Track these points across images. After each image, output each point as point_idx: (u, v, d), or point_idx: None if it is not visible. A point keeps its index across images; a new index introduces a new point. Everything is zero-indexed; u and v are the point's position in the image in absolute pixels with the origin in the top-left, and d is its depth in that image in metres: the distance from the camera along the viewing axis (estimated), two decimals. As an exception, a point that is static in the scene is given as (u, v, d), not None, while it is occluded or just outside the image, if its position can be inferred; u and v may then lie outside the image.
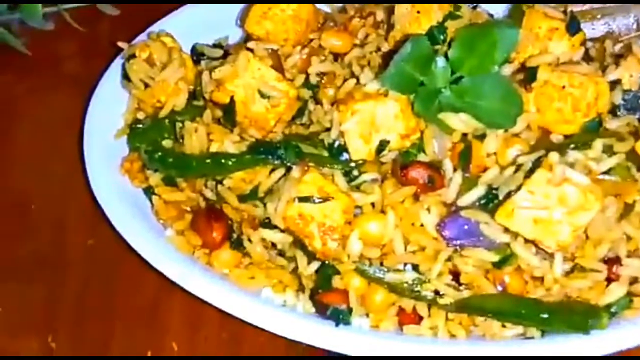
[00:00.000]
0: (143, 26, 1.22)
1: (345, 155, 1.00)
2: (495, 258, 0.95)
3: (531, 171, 0.92)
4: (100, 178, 1.06)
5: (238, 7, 1.23)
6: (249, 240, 1.01)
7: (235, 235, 1.03)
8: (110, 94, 1.14)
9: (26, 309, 1.04)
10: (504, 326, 0.96)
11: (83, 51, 1.31)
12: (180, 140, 1.05)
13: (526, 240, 0.94)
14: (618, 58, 1.08)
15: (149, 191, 1.08)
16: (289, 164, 0.99)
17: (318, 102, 1.07)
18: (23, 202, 1.14)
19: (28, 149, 1.20)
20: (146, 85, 1.09)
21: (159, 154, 1.04)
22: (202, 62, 1.13)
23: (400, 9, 1.09)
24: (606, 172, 0.96)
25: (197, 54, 1.17)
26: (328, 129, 1.03)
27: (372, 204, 0.98)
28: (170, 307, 1.03)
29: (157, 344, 1.01)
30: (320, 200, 0.95)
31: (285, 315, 0.97)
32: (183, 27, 1.20)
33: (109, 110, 1.13)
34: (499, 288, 0.96)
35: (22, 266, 1.08)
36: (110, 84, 1.15)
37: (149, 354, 1.00)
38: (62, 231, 1.12)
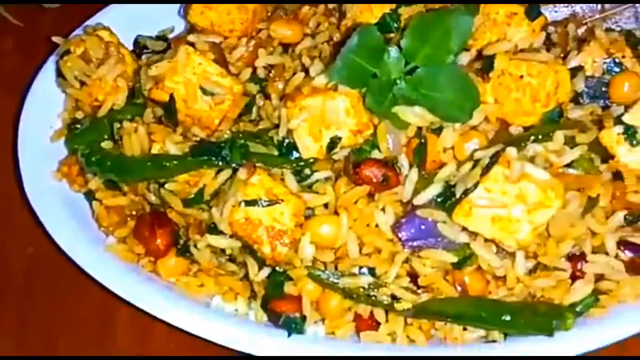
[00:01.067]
0: (82, 20, 1.15)
1: (295, 154, 0.95)
2: (455, 259, 0.91)
3: (488, 167, 0.88)
4: (35, 183, 1.00)
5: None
6: (196, 246, 0.96)
7: (181, 242, 0.97)
8: (46, 93, 1.07)
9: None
10: (465, 329, 0.92)
11: (20, 48, 1.24)
12: (120, 141, 0.99)
13: (486, 240, 0.90)
14: (581, 42, 1.04)
15: (89, 196, 1.02)
16: (235, 166, 0.94)
17: (267, 96, 1.01)
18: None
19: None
20: (82, 84, 1.02)
21: (97, 156, 0.98)
22: (143, 57, 1.07)
23: (351, -5, 1.04)
24: (568, 165, 0.92)
25: (139, 47, 1.10)
26: (277, 126, 0.97)
27: (325, 205, 0.93)
28: (116, 319, 0.98)
29: (104, 354, 0.96)
30: (268, 203, 0.90)
31: (236, 329, 0.92)
32: (124, 19, 1.13)
33: (44, 110, 1.07)
34: (459, 289, 0.91)
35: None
36: (45, 83, 1.08)
37: (94, 368, 0.95)
38: (2, 241, 1.05)
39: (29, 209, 1.00)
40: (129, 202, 1.01)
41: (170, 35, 1.14)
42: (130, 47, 1.10)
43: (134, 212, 1.01)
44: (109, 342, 0.97)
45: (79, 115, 1.05)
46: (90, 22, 1.10)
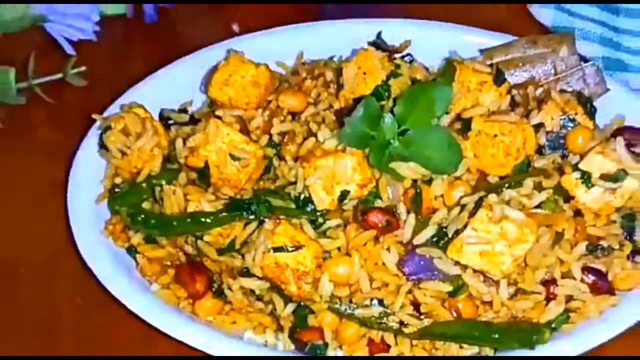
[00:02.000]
0: (109, 95, 1.32)
1: (310, 206, 1.12)
2: (450, 288, 1.07)
3: (474, 210, 1.06)
4: (86, 240, 1.15)
5: (199, 73, 1.35)
6: (230, 288, 1.11)
7: (216, 285, 1.13)
8: (88, 162, 1.23)
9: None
10: (461, 347, 1.08)
11: (53, 121, 1.39)
12: (160, 202, 1.15)
13: (475, 271, 1.07)
14: (540, 102, 1.24)
15: (131, 250, 1.17)
16: (261, 218, 1.11)
17: (282, 158, 1.18)
18: (10, 267, 1.21)
19: (10, 216, 1.27)
20: (123, 154, 1.19)
21: (142, 216, 1.14)
22: (172, 128, 1.24)
23: (348, 70, 1.23)
24: (538, 206, 1.09)
25: (164, 119, 1.27)
26: (293, 183, 1.15)
27: (339, 248, 1.10)
28: (160, 355, 1.12)
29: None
30: (292, 248, 1.07)
31: (269, 354, 1.07)
32: (148, 95, 1.30)
33: (88, 177, 1.22)
34: (455, 314, 1.09)
35: (16, 329, 1.14)
36: (87, 153, 1.24)
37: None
38: (51, 292, 1.19)
39: (78, 264, 1.15)
40: (167, 254, 1.16)
41: (190, 108, 1.32)
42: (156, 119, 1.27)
43: (169, 263, 1.17)
44: None
45: (118, 180, 1.21)
46: (124, 100, 1.27)
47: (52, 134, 1.38)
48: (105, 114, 1.26)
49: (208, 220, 1.11)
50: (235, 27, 1.54)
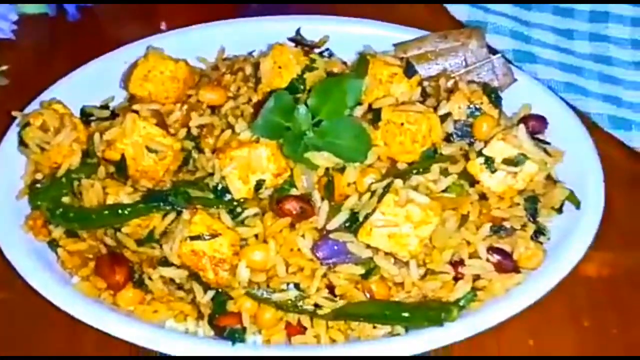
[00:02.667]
0: (32, 93, 1.33)
1: (228, 196, 1.16)
2: (362, 271, 1.12)
3: (382, 195, 1.11)
4: (7, 236, 1.16)
5: (120, 69, 1.37)
6: (150, 278, 1.14)
7: (136, 276, 1.15)
8: (8, 159, 1.24)
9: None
10: (374, 327, 1.13)
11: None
12: (79, 196, 1.17)
13: (385, 253, 1.12)
14: (451, 93, 1.30)
15: (53, 244, 1.19)
16: (179, 209, 1.14)
17: (201, 150, 1.22)
18: None
19: None
20: (42, 149, 1.20)
21: (60, 210, 1.16)
22: (92, 123, 1.26)
23: (265, 65, 1.27)
24: (444, 191, 1.15)
25: (86, 115, 1.29)
26: (211, 174, 1.18)
27: (256, 236, 1.14)
28: (83, 345, 1.14)
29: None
30: (209, 237, 1.10)
31: (187, 341, 1.10)
32: (70, 91, 1.32)
33: (8, 173, 1.23)
34: (368, 296, 1.13)
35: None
36: (7, 150, 1.25)
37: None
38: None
39: (1, 260, 1.16)
40: (87, 247, 1.18)
41: (111, 104, 1.34)
42: (77, 115, 1.29)
43: (90, 256, 1.19)
44: None
45: (39, 176, 1.22)
46: (45, 97, 1.28)
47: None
48: (25, 111, 1.27)
49: (126, 212, 1.14)
50: (163, 26, 1.57)
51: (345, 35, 1.41)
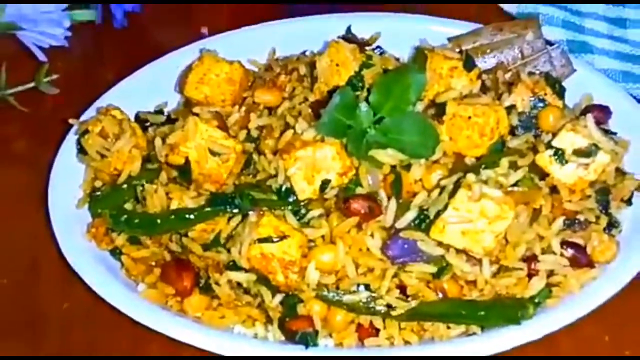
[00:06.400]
0: (81, 101, 1.32)
1: (292, 197, 1.13)
2: (434, 269, 1.09)
3: (453, 191, 1.08)
4: (70, 245, 1.15)
5: (173, 74, 1.35)
6: (217, 283, 1.12)
7: (203, 281, 1.13)
8: (66, 168, 1.23)
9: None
10: (448, 327, 1.10)
11: (28, 130, 1.39)
12: (143, 202, 1.15)
13: (457, 251, 1.09)
14: (510, 85, 1.27)
15: (115, 252, 1.17)
16: (245, 211, 1.12)
17: (261, 152, 1.20)
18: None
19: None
20: (102, 156, 1.19)
21: (125, 216, 1.14)
22: (150, 129, 1.25)
23: (321, 63, 1.24)
24: (514, 185, 1.11)
25: (140, 121, 1.28)
26: (273, 176, 1.16)
27: (323, 237, 1.11)
28: (149, 354, 1.12)
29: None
30: (277, 239, 1.08)
31: (259, 345, 1.08)
32: (123, 98, 1.31)
33: (67, 182, 1.22)
34: (440, 295, 1.10)
35: (2, 336, 1.14)
36: (65, 158, 1.24)
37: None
38: (37, 299, 1.18)
39: (63, 270, 1.15)
40: (151, 254, 1.16)
41: (165, 109, 1.33)
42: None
43: (154, 263, 1.17)
44: None
45: (98, 184, 1.21)
46: (99, 104, 1.27)
47: (28, 142, 1.37)
48: (81, 119, 1.25)
49: (192, 217, 1.12)
50: (204, 30, 1.55)
51: (396, 32, 1.39)
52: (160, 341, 1.09)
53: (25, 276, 1.21)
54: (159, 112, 1.30)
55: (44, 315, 1.17)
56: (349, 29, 1.35)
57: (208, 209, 1.12)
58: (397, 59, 1.34)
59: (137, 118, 1.28)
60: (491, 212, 1.06)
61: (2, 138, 1.37)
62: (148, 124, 1.27)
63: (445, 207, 1.07)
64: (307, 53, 1.37)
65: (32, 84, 1.39)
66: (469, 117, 1.14)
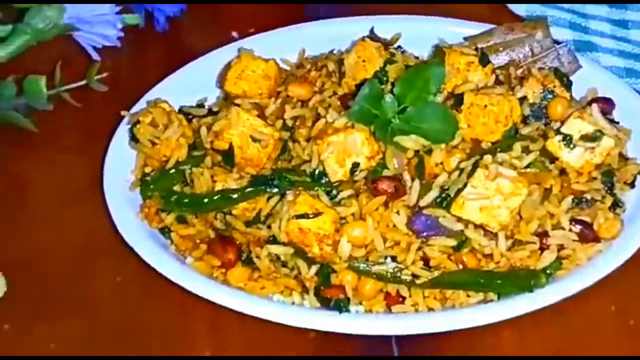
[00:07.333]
0: (127, 98, 1.45)
1: (324, 179, 1.25)
2: (454, 243, 1.19)
3: (472, 171, 1.20)
4: (125, 224, 1.26)
5: (212, 73, 1.48)
6: (257, 257, 1.23)
7: (245, 255, 1.25)
8: (118, 155, 1.36)
9: (72, 342, 1.21)
10: (468, 295, 1.21)
11: (80, 123, 1.52)
12: (190, 184, 1.28)
13: (476, 226, 1.20)
14: (521, 80, 1.38)
15: (164, 230, 1.29)
16: (283, 191, 1.24)
17: (295, 140, 1.32)
18: (51, 254, 1.32)
19: (47, 212, 1.38)
20: (152, 144, 1.31)
21: (175, 197, 1.27)
22: (193, 120, 1.37)
23: (349, 60, 1.37)
24: (527, 167, 1.23)
25: (184, 114, 1.40)
26: (306, 161, 1.28)
27: (353, 215, 1.23)
28: (196, 322, 1.23)
29: (191, 353, 1.20)
30: (313, 215, 1.19)
31: (298, 309, 1.19)
32: (167, 95, 1.43)
33: (119, 168, 1.34)
34: (460, 266, 1.22)
35: (58, 309, 1.24)
36: (117, 147, 1.36)
37: (185, 364, 1.20)
38: (91, 274, 1.30)
39: (116, 248, 1.26)
40: (196, 232, 1.28)
41: (205, 104, 1.45)
42: (178, 114, 1.40)
43: (198, 240, 1.29)
44: (193, 338, 1.20)
45: (147, 169, 1.33)
46: (150, 97, 1.40)
47: (81, 134, 1.49)
48: (131, 111, 1.38)
49: (235, 196, 1.24)
50: (235, 34, 1.67)
51: (415, 33, 1.51)
52: (205, 309, 1.20)
53: (82, 253, 1.32)
54: (200, 106, 1.42)
55: (99, 289, 1.28)
56: (372, 30, 1.47)
57: (250, 189, 1.24)
58: (417, 58, 1.45)
59: (180, 111, 1.40)
60: (506, 189, 1.17)
61: (58, 130, 1.49)
62: (190, 116, 1.39)
63: (465, 185, 1.19)
64: (335, 52, 1.49)
65: (83, 82, 1.51)
66: (485, 106, 1.26)
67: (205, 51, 1.54)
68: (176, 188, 1.29)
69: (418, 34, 1.51)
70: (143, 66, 1.61)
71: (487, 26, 1.53)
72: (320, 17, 1.63)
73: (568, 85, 1.37)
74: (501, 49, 1.48)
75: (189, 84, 1.47)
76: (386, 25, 1.50)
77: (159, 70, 1.51)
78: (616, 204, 1.29)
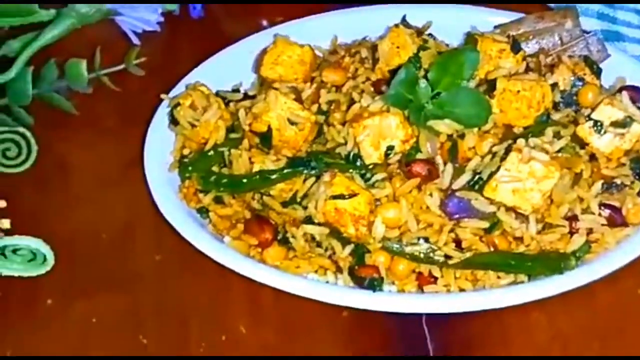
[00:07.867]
0: (164, 82, 1.48)
1: (359, 162, 1.28)
2: (486, 225, 1.22)
3: (505, 155, 1.22)
4: (166, 203, 1.30)
5: (246, 59, 1.51)
6: (293, 237, 1.27)
7: (280, 235, 1.28)
8: (158, 137, 1.39)
9: (116, 316, 1.25)
10: (499, 277, 1.24)
11: (119, 106, 1.55)
12: (229, 165, 1.31)
13: (507, 209, 1.23)
14: (551, 67, 1.41)
15: (202, 210, 1.33)
16: (319, 173, 1.27)
17: (330, 124, 1.35)
18: (94, 234, 1.36)
19: (90, 192, 1.42)
20: (192, 126, 1.35)
21: (214, 177, 1.30)
22: (231, 104, 1.41)
23: (383, 46, 1.39)
24: (558, 151, 1.25)
25: (221, 98, 1.43)
26: (341, 144, 1.31)
27: (387, 197, 1.26)
28: (233, 298, 1.26)
29: (228, 328, 1.23)
30: (349, 196, 1.23)
31: (332, 286, 1.23)
32: (204, 79, 1.46)
33: (159, 149, 1.38)
34: (491, 249, 1.25)
35: (99, 287, 1.28)
36: (156, 129, 1.40)
37: (223, 338, 1.23)
38: (131, 252, 1.34)
39: (155, 228, 1.30)
40: (233, 212, 1.32)
41: (241, 88, 1.49)
42: (215, 98, 1.43)
43: (234, 221, 1.33)
44: (230, 314, 1.24)
45: (186, 151, 1.37)
46: (188, 81, 1.43)
47: (120, 116, 1.53)
48: (170, 95, 1.42)
49: (274, 177, 1.27)
50: (264, 22, 1.70)
51: (446, 21, 1.53)
52: (242, 285, 1.23)
53: (123, 232, 1.36)
54: (236, 91, 1.46)
55: (139, 266, 1.32)
56: (404, 17, 1.50)
57: (288, 170, 1.27)
58: (447, 45, 1.48)
59: (217, 95, 1.44)
60: (539, 172, 1.20)
61: (98, 113, 1.53)
62: (227, 100, 1.43)
63: (498, 168, 1.21)
64: (367, 39, 1.52)
65: (122, 66, 1.55)
66: (518, 91, 1.28)
67: (238, 38, 1.57)
68: (214, 169, 1.33)
69: (448, 22, 1.53)
70: (178, 52, 1.65)
71: (517, 15, 1.55)
72: (349, 4, 1.65)
73: (598, 73, 1.39)
74: (531, 37, 1.50)
75: (224, 69, 1.51)
76: (417, 12, 1.52)
77: (194, 56, 1.54)
78: (645, 190, 1.31)
